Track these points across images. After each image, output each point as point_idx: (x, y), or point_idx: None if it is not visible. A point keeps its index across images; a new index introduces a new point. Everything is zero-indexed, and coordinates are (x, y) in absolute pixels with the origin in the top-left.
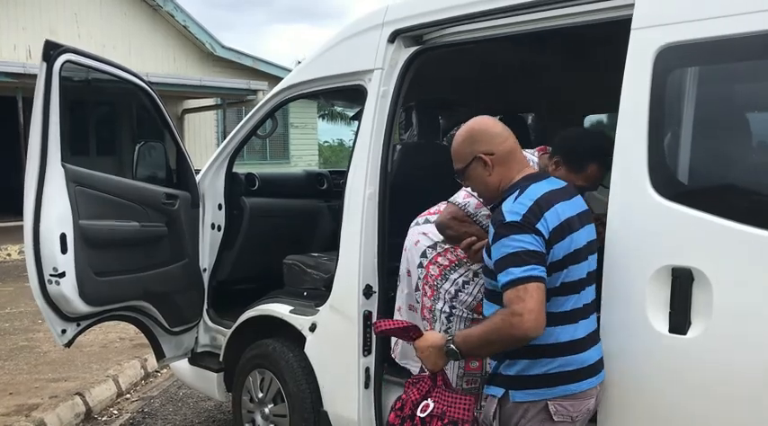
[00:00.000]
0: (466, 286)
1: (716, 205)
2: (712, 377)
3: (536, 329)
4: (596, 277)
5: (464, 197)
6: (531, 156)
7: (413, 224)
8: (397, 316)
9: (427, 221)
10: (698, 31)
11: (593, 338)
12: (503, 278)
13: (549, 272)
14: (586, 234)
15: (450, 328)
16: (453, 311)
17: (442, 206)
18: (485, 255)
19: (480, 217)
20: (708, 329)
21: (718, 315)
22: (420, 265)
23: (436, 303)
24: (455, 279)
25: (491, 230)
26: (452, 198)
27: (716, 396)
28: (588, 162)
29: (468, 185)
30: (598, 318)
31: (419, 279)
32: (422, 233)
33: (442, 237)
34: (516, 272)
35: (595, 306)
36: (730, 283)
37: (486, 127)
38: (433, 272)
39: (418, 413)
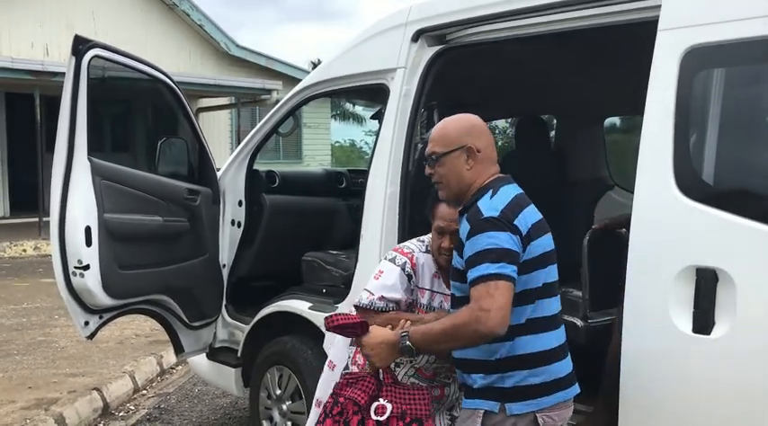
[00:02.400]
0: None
1: (741, 206)
2: (736, 377)
3: (501, 327)
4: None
5: (367, 297)
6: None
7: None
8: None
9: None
10: (725, 32)
11: (567, 347)
12: (473, 273)
13: (528, 270)
14: (552, 241)
15: None
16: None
17: (411, 245)
18: (455, 256)
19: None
20: (732, 329)
21: (742, 315)
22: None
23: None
24: None
25: (466, 227)
26: (356, 301)
27: (740, 397)
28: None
29: (436, 173)
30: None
31: None
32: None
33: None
34: (489, 268)
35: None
36: (755, 284)
37: (481, 125)
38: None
39: (374, 417)
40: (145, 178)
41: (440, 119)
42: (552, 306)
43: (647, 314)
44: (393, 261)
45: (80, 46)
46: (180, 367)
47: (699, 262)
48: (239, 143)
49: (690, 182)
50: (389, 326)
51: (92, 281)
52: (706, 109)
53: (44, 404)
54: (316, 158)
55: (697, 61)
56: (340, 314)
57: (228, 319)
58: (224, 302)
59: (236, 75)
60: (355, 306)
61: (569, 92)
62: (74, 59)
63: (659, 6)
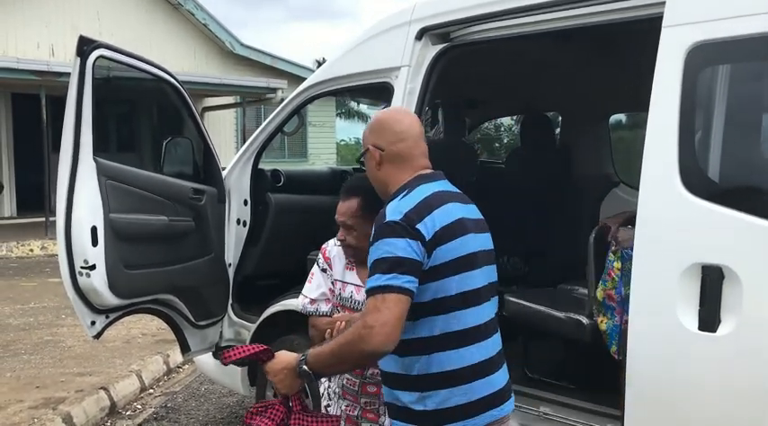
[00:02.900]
0: None
1: (746, 203)
2: (742, 374)
3: (385, 344)
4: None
5: (302, 303)
6: None
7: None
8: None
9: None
10: (729, 28)
11: (501, 359)
12: (368, 284)
13: (436, 277)
14: (482, 241)
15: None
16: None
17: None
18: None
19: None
20: (738, 326)
21: (748, 312)
22: None
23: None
24: None
25: (372, 232)
26: (300, 308)
27: (746, 394)
28: None
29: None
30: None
31: None
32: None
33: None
34: (379, 280)
35: (497, 325)
36: (761, 281)
37: (389, 121)
38: None
39: None
40: (150, 178)
41: (444, 118)
42: (474, 316)
43: (653, 311)
44: (316, 260)
45: (85, 46)
46: (186, 366)
47: (704, 260)
48: (244, 142)
49: (695, 180)
50: (329, 331)
51: (98, 281)
52: (711, 106)
53: (52, 404)
54: (321, 157)
55: (701, 58)
56: (236, 347)
57: (234, 318)
58: (230, 301)
59: (241, 74)
60: (309, 316)
61: (574, 89)
62: (78, 60)
63: (663, 3)
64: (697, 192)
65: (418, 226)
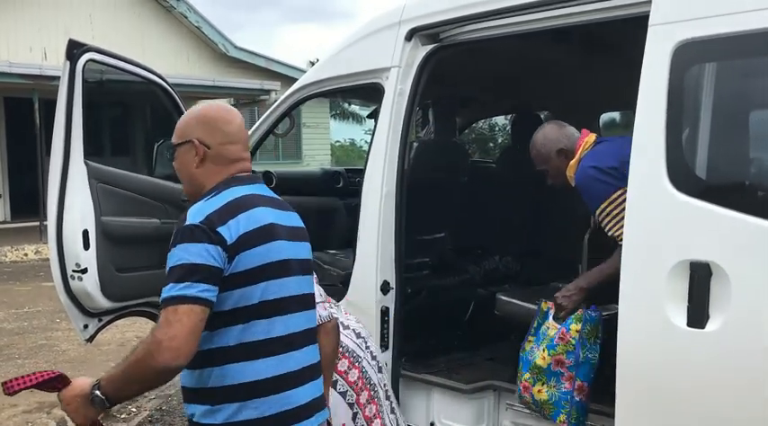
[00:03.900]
0: None
1: (733, 199)
2: (730, 370)
3: (175, 359)
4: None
5: None
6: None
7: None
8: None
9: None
10: (716, 26)
11: (310, 373)
12: (161, 294)
13: (238, 285)
14: (296, 250)
15: None
16: None
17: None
18: None
19: None
20: (726, 323)
21: (736, 308)
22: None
23: None
24: None
25: None
26: None
27: (734, 390)
28: None
29: (175, 165)
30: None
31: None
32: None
33: None
34: (171, 290)
35: (311, 337)
36: (749, 277)
37: (220, 120)
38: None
39: None
40: (141, 181)
41: (435, 118)
42: (279, 327)
43: (642, 308)
44: None
45: (74, 50)
46: None
47: (693, 257)
48: None
49: (682, 177)
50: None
51: (90, 284)
52: (698, 103)
53: (46, 408)
54: (315, 158)
55: (688, 56)
56: (24, 376)
57: None
58: None
59: (235, 77)
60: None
61: (564, 88)
62: (68, 63)
63: (650, 2)
64: (684, 189)
65: (220, 229)
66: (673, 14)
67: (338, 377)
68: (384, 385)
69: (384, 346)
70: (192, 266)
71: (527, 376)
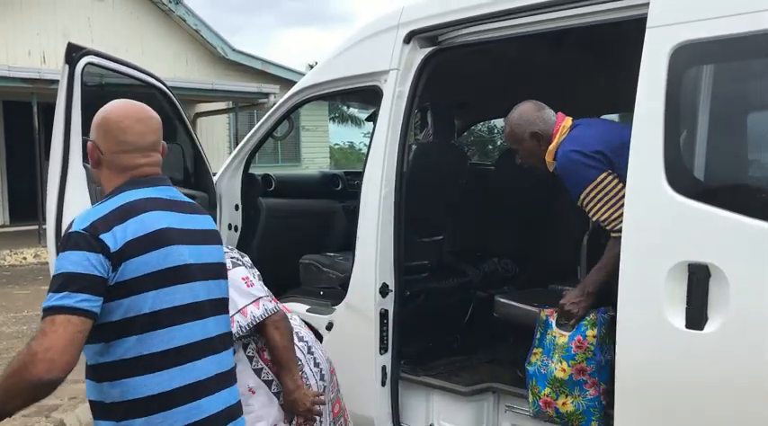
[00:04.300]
0: None
1: (732, 201)
2: (729, 372)
3: (50, 371)
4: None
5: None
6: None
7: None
8: None
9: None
10: (713, 28)
11: (223, 381)
12: (42, 304)
13: (125, 294)
14: (198, 254)
15: None
16: None
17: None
18: None
19: None
20: (725, 324)
21: (735, 310)
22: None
23: None
24: None
25: None
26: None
27: (732, 392)
28: None
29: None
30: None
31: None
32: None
33: None
34: (50, 300)
35: (224, 343)
36: (747, 279)
37: (114, 128)
38: None
39: None
40: None
41: (433, 121)
42: (180, 336)
43: (641, 310)
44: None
45: (73, 53)
46: None
47: (691, 258)
48: None
49: (681, 179)
50: None
51: None
52: (696, 105)
53: (45, 411)
54: (315, 161)
55: (686, 58)
56: None
57: None
58: None
59: (234, 80)
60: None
61: (562, 90)
62: (67, 67)
63: (647, 4)
64: (683, 191)
65: (103, 236)
66: (670, 17)
67: (273, 376)
68: (327, 390)
69: (383, 348)
70: (71, 275)
71: (547, 390)
